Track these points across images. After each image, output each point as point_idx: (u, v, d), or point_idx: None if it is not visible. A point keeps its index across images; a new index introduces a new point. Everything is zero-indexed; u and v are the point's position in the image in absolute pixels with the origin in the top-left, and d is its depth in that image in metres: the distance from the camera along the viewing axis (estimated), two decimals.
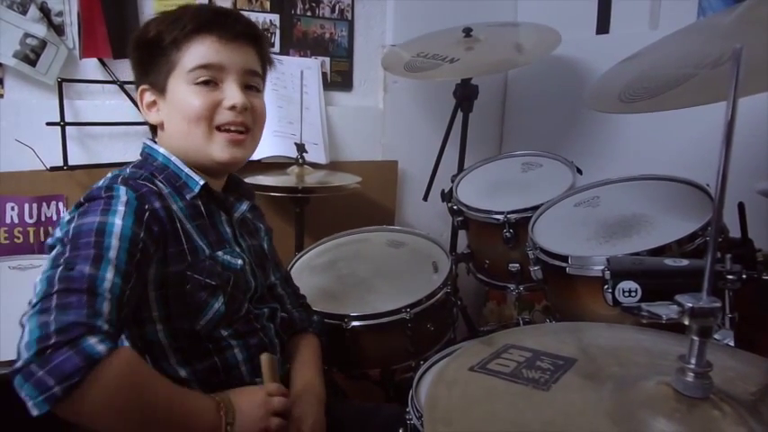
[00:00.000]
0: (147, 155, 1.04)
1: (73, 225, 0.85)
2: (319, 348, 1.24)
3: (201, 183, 1.00)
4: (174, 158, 1.01)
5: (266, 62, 1.09)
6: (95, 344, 0.71)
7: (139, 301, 0.90)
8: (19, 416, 0.84)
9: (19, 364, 0.70)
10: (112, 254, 0.81)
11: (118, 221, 0.85)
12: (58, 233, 0.87)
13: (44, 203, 1.66)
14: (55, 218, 1.68)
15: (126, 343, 0.86)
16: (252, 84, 1.03)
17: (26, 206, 1.63)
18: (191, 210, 1.00)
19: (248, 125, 1.02)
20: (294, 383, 1.11)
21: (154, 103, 1.02)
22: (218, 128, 0.99)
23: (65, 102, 1.65)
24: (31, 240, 1.64)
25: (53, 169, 1.62)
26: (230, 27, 0.99)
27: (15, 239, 1.63)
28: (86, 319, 0.73)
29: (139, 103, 1.04)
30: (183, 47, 0.97)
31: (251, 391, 0.96)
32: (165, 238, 0.92)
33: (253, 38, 1.03)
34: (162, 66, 0.99)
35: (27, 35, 1.60)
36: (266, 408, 0.92)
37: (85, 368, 0.70)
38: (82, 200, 0.91)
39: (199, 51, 0.97)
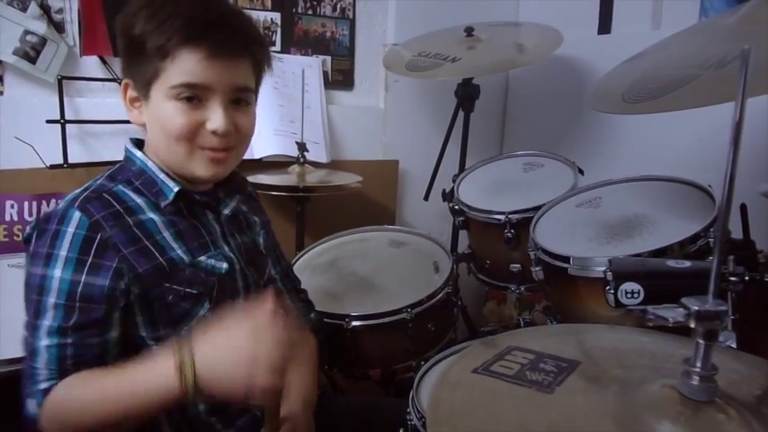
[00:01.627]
0: (127, 158, 1.01)
1: (28, 270, 0.90)
2: (315, 347, 1.21)
3: (176, 190, 0.96)
4: (150, 164, 0.98)
5: (262, 71, 1.02)
6: (31, 407, 0.87)
7: (125, 313, 0.92)
8: (20, 413, 0.87)
9: None
10: (48, 315, 0.87)
11: (57, 274, 0.87)
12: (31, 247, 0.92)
13: (44, 201, 1.65)
14: None
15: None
16: (243, 98, 0.97)
17: (26, 204, 1.63)
18: (171, 215, 0.97)
19: (231, 146, 0.97)
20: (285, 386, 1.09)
21: (137, 99, 0.97)
22: (202, 147, 0.95)
23: (65, 99, 1.65)
24: None
25: (53, 167, 1.61)
26: (222, 41, 0.90)
27: (15, 237, 1.62)
28: (27, 389, 0.87)
29: (122, 96, 0.98)
30: (168, 58, 0.89)
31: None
32: (130, 262, 0.90)
33: (248, 49, 0.95)
34: (145, 69, 0.92)
35: (27, 32, 1.60)
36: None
37: (33, 423, 0.86)
38: (39, 220, 0.91)
39: (184, 67, 0.89)
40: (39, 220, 0.91)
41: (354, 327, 1.36)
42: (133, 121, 0.99)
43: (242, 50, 0.94)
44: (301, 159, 1.84)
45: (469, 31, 1.89)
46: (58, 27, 1.66)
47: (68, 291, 0.87)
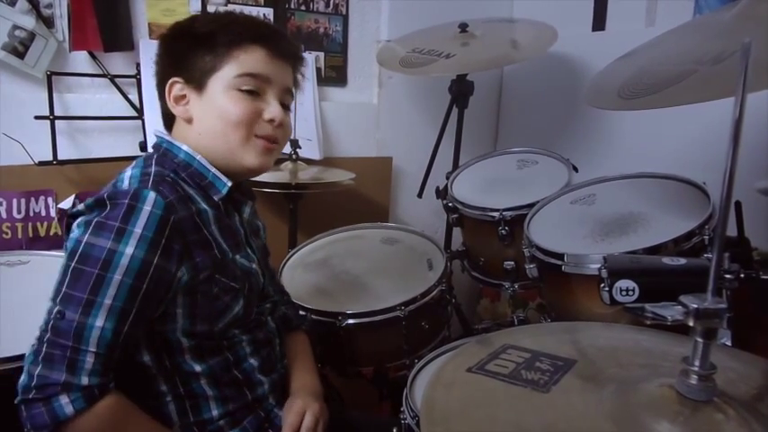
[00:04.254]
0: (166, 150, 1.01)
1: (86, 240, 0.85)
2: (310, 346, 1.25)
3: (229, 184, 1.00)
4: (198, 157, 0.99)
5: (297, 85, 1.11)
6: (66, 404, 0.80)
7: (167, 305, 0.92)
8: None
9: (17, 398, 0.82)
10: (110, 293, 0.84)
11: (129, 251, 0.85)
12: (76, 233, 0.87)
13: (33, 198, 1.63)
14: (44, 213, 1.65)
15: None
16: (285, 102, 1.06)
17: (14, 201, 1.61)
18: (215, 210, 0.99)
19: (279, 139, 1.04)
20: (294, 383, 1.13)
21: (183, 96, 1.01)
22: (256, 135, 1.00)
23: (54, 95, 1.63)
24: (20, 236, 1.62)
25: (42, 164, 1.59)
26: (279, 44, 1.02)
27: (4, 235, 1.60)
28: (64, 377, 0.81)
29: (166, 94, 1.02)
30: (236, 51, 0.98)
31: None
32: (190, 249, 0.91)
33: (295, 58, 1.07)
34: (205, 63, 0.98)
35: (15, 27, 1.58)
36: None
37: (51, 426, 0.80)
38: (105, 197, 0.88)
39: (250, 60, 0.98)
40: (101, 197, 0.88)
41: (347, 325, 1.35)
42: (178, 115, 1.02)
43: (293, 58, 1.06)
44: (294, 156, 1.82)
45: (463, 27, 1.88)
46: (47, 22, 1.64)
47: (139, 270, 0.85)
